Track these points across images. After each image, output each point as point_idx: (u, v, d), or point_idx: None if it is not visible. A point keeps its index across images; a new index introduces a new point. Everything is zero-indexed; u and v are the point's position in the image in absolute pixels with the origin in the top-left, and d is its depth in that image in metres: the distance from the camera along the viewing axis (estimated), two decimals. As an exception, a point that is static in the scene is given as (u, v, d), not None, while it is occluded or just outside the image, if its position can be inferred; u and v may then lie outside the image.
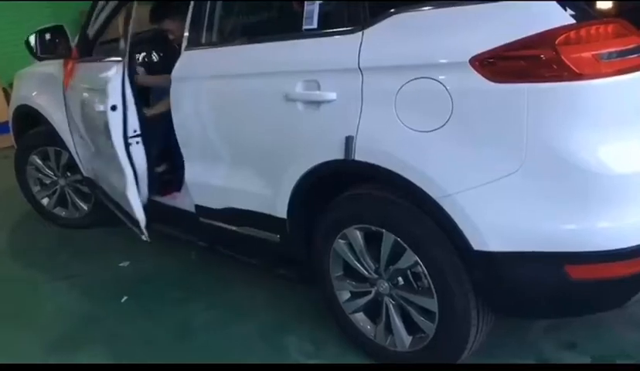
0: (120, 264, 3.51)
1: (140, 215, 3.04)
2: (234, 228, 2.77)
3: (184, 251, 3.45)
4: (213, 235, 2.97)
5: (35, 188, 4.11)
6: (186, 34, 2.71)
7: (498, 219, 1.83)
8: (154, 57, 3.83)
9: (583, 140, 1.70)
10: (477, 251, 1.88)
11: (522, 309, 2.01)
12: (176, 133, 2.84)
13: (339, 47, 2.12)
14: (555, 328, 2.44)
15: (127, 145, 2.96)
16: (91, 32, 3.37)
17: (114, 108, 2.89)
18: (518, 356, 2.34)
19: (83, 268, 3.51)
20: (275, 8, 2.98)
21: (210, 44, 2.64)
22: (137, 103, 3.00)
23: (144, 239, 3.09)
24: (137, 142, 3.02)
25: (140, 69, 3.77)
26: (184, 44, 2.72)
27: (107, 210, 3.82)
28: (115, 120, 2.91)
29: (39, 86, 3.89)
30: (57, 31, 3.44)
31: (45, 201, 4.10)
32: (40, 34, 3.41)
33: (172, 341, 2.74)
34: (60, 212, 4.08)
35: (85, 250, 3.76)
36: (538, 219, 1.79)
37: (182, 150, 2.87)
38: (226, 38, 2.67)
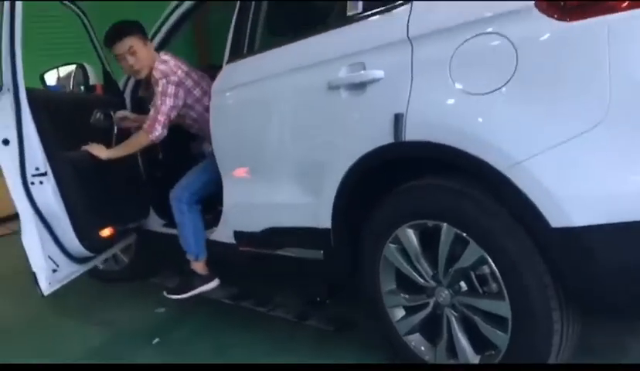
0: (156, 310, 3.26)
1: (37, 266, 2.59)
2: (275, 252, 2.51)
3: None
4: (253, 266, 2.73)
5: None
6: (228, 49, 2.61)
7: (580, 184, 1.52)
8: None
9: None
10: (555, 229, 1.56)
11: (618, 304, 1.62)
12: (215, 153, 2.67)
13: (386, 22, 1.95)
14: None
15: (26, 185, 2.57)
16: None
17: (5, 142, 2.53)
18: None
19: (118, 314, 3.28)
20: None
21: (252, 53, 2.52)
22: (44, 137, 2.60)
23: (40, 293, 2.62)
24: (42, 182, 2.60)
25: None
26: (225, 59, 2.62)
27: (147, 261, 3.67)
28: (7, 156, 2.54)
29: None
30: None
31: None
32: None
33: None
34: (99, 265, 3.90)
35: (121, 298, 3.54)
36: (633, 178, 1.47)
37: (221, 171, 2.69)
38: (268, 44, 2.53)
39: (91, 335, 3.09)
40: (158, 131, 2.79)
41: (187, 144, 3.51)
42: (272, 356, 2.49)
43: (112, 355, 2.82)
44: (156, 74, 2.77)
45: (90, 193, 2.81)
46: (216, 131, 2.62)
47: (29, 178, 2.57)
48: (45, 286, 2.62)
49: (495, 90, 1.64)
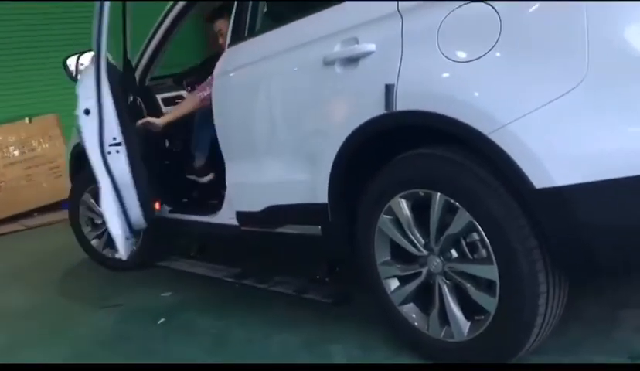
0: (163, 294, 3.33)
1: (115, 230, 2.82)
2: (275, 230, 2.57)
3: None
4: (255, 244, 2.79)
5: (87, 229, 4.01)
6: (230, 33, 2.68)
7: (561, 144, 1.57)
8: None
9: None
10: (539, 190, 1.60)
11: (601, 262, 1.64)
12: (218, 136, 2.74)
13: None
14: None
15: (103, 154, 2.74)
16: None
17: (86, 112, 2.70)
18: (605, 354, 1.95)
19: (125, 298, 3.34)
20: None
21: (252, 35, 2.58)
22: (119, 109, 2.79)
23: (119, 257, 2.90)
24: (118, 152, 2.78)
25: None
26: (227, 42, 2.68)
27: (154, 248, 3.74)
28: (88, 126, 2.71)
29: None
30: None
31: (94, 242, 3.99)
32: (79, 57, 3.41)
33: (206, 353, 2.49)
34: (109, 253, 3.97)
35: (129, 284, 3.61)
36: (614, 137, 1.51)
37: (224, 153, 2.75)
38: (269, 26, 2.59)
39: (100, 317, 3.16)
40: (207, 92, 2.91)
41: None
42: (273, 333, 2.54)
43: (119, 333, 2.89)
44: None
45: (147, 165, 2.98)
46: (217, 113, 2.69)
47: (106, 148, 2.73)
48: (123, 251, 2.88)
49: (480, 56, 1.69)
